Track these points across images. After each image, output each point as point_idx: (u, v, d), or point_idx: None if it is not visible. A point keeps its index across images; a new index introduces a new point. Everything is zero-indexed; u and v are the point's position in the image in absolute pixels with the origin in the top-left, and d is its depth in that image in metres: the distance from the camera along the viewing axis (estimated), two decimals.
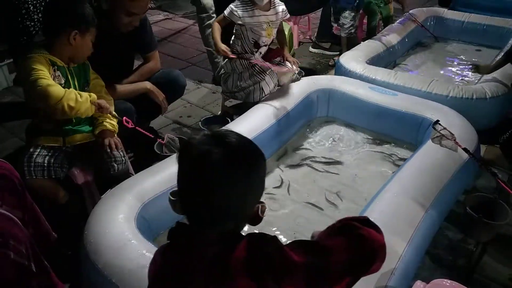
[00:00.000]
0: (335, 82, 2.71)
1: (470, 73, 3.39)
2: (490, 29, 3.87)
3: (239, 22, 2.34)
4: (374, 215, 1.53)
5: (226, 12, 2.36)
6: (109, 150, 1.83)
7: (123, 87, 2.16)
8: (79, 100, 1.67)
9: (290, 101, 2.48)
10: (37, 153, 1.75)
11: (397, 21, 3.86)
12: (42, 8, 2.63)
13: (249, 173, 0.85)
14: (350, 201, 2.06)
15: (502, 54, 3.00)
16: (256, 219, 0.89)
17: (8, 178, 1.37)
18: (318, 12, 4.19)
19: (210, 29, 2.79)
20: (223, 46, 2.32)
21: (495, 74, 2.74)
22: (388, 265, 1.34)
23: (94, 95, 1.76)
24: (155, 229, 1.75)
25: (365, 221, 0.97)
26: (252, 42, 2.43)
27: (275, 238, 0.85)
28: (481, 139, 2.17)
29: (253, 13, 2.34)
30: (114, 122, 1.89)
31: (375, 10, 3.73)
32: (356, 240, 0.90)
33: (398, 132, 2.46)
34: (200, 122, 2.51)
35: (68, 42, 1.71)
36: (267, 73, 2.44)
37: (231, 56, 2.35)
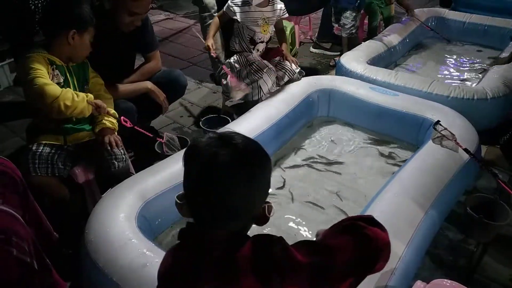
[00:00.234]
0: (336, 82, 2.71)
1: (470, 73, 3.39)
2: (491, 29, 3.86)
3: (235, 18, 2.37)
4: (374, 215, 1.46)
5: (224, 7, 2.39)
6: (109, 148, 1.83)
7: (124, 87, 2.16)
8: (75, 99, 1.68)
9: (290, 101, 2.48)
10: (40, 150, 1.76)
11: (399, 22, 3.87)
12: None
13: (256, 173, 0.86)
14: (351, 201, 2.05)
15: None
16: (263, 219, 0.90)
17: (9, 176, 1.37)
18: (319, 12, 4.19)
19: None
20: (209, 42, 2.32)
21: (495, 74, 2.75)
22: (388, 265, 1.32)
23: (91, 95, 1.77)
24: (156, 228, 1.75)
25: (370, 220, 0.97)
26: (248, 38, 2.44)
27: (281, 238, 0.86)
28: (481, 140, 2.17)
29: (249, 9, 2.36)
30: (114, 120, 1.90)
31: (376, 10, 3.73)
32: (361, 240, 0.91)
33: (398, 132, 2.46)
34: (200, 122, 2.51)
35: (67, 42, 1.72)
36: (264, 71, 2.44)
37: (212, 53, 2.34)
